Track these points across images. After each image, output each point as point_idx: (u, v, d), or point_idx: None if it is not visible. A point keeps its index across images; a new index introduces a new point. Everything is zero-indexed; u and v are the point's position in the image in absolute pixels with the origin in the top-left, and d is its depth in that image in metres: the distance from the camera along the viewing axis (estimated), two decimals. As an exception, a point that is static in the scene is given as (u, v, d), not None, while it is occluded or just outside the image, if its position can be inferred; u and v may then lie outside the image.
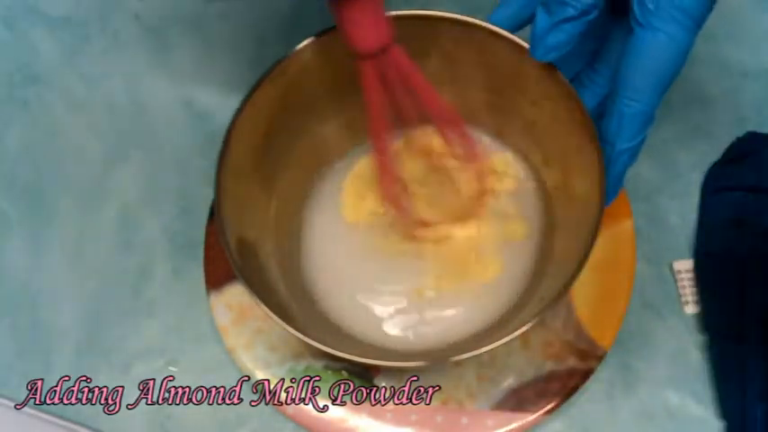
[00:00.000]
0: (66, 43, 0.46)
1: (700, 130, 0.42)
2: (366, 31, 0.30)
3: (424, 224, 0.37)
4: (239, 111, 0.33)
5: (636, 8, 0.30)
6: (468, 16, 0.33)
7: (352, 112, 0.38)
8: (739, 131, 0.41)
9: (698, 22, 0.29)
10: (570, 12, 0.30)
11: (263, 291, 0.32)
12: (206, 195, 0.40)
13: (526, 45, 0.33)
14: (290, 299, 0.35)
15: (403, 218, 0.37)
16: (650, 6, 0.29)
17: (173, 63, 0.45)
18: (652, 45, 0.29)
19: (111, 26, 0.46)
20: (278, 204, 0.38)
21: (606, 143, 0.31)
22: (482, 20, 0.33)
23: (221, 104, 0.44)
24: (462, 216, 0.38)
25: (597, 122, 0.32)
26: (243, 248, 0.33)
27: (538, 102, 0.35)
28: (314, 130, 0.38)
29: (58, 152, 0.44)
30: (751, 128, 0.41)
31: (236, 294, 0.38)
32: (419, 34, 0.34)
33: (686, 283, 0.39)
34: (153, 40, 0.46)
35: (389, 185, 0.36)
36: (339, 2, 0.29)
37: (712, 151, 0.41)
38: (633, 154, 0.32)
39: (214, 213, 0.39)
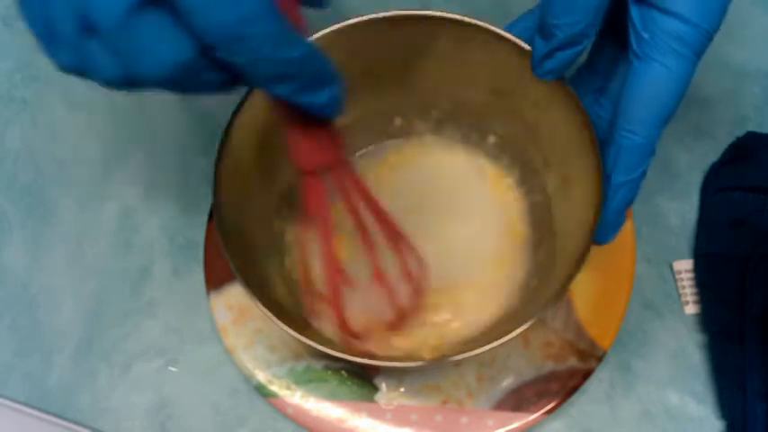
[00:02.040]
0: (67, 43, 0.46)
1: (700, 130, 0.42)
2: (323, 151, 0.29)
3: (356, 336, 0.35)
4: (239, 108, 0.33)
5: (633, 39, 0.29)
6: (469, 17, 0.33)
7: (352, 111, 0.38)
8: (739, 131, 0.41)
9: (697, 51, 0.29)
10: (558, 42, 0.30)
11: (261, 290, 0.32)
12: (206, 195, 0.40)
13: (528, 47, 0.33)
14: (288, 298, 0.35)
15: (341, 326, 0.35)
16: (646, 36, 0.29)
17: (173, 63, 0.45)
18: (649, 76, 0.29)
19: (111, 26, 0.46)
20: (277, 203, 0.38)
21: (605, 176, 0.31)
22: (483, 21, 0.33)
23: (221, 104, 0.44)
24: (393, 327, 0.36)
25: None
26: (241, 247, 0.33)
27: (539, 104, 0.35)
28: None
29: (58, 152, 0.44)
30: (751, 128, 0.41)
31: (236, 294, 0.38)
32: (420, 35, 0.34)
33: (686, 283, 0.39)
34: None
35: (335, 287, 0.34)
36: (296, 127, 0.28)
37: (712, 151, 0.41)
38: (632, 188, 0.31)
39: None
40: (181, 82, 0.22)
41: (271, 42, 0.22)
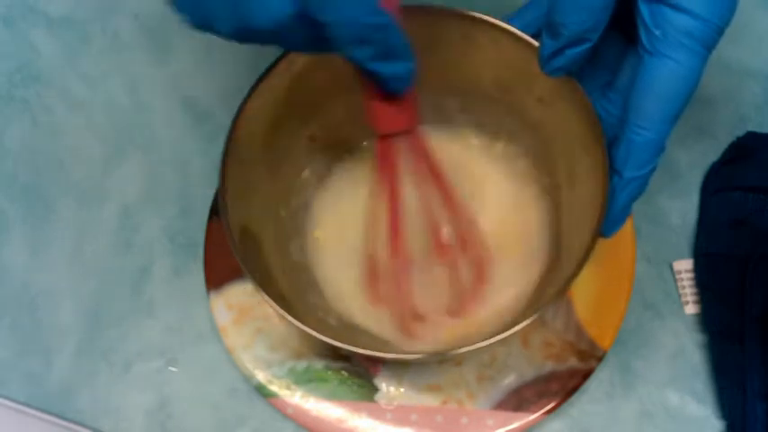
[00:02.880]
0: (67, 43, 0.46)
1: (700, 129, 0.42)
2: (395, 117, 0.30)
3: (419, 318, 0.36)
4: (247, 98, 0.33)
5: (643, 36, 0.29)
6: (477, 12, 0.33)
7: (360, 106, 0.38)
8: (739, 131, 0.41)
9: (708, 46, 0.29)
10: (566, 40, 0.30)
11: (263, 279, 0.32)
12: (206, 195, 0.40)
13: (535, 43, 0.32)
14: (290, 290, 0.35)
15: (397, 311, 0.36)
16: (657, 33, 0.29)
17: (173, 63, 0.45)
18: (661, 72, 0.29)
19: (111, 26, 0.46)
20: (283, 195, 0.38)
21: (614, 171, 0.31)
22: (490, 15, 0.33)
23: (221, 104, 0.44)
24: (456, 310, 0.37)
25: (611, 151, 0.31)
26: (245, 236, 0.33)
27: (545, 99, 0.35)
28: (322, 121, 0.38)
29: (58, 152, 0.44)
30: (751, 128, 0.41)
31: (236, 294, 0.38)
32: (427, 28, 0.34)
33: (686, 283, 0.39)
34: (153, 40, 0.46)
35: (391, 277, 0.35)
36: (373, 92, 0.29)
37: (712, 151, 0.41)
38: (641, 184, 0.31)
39: (215, 212, 0.39)
40: (281, 36, 0.25)
41: (357, 5, 0.24)
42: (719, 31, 0.29)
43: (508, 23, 0.33)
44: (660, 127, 0.30)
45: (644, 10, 0.29)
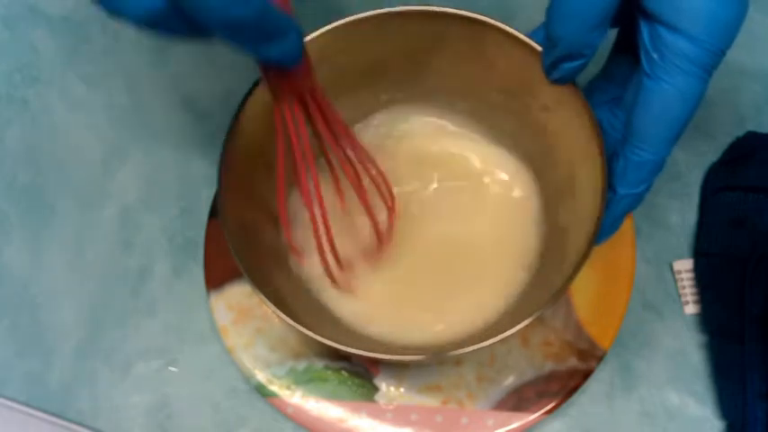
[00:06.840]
0: (67, 43, 0.46)
1: (699, 129, 0.42)
2: (288, 81, 0.30)
3: (348, 267, 0.37)
4: (248, 94, 0.33)
5: (643, 58, 0.29)
6: (482, 15, 0.33)
7: (363, 103, 0.38)
8: (739, 131, 0.41)
9: (707, 68, 0.28)
10: (560, 53, 0.30)
11: (259, 276, 0.32)
12: (206, 195, 0.40)
13: (540, 48, 0.32)
14: (287, 289, 0.35)
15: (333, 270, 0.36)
16: (654, 56, 0.28)
17: (173, 63, 0.45)
18: (659, 96, 0.29)
19: (111, 26, 0.46)
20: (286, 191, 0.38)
21: (610, 186, 0.31)
22: (496, 20, 0.33)
23: (221, 104, 0.44)
24: (372, 252, 0.37)
25: (610, 165, 0.31)
26: (242, 232, 0.33)
27: (548, 106, 0.34)
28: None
29: (58, 152, 0.44)
30: (751, 128, 0.41)
31: (236, 294, 0.38)
32: (431, 31, 0.34)
33: (686, 283, 0.39)
34: (153, 41, 0.46)
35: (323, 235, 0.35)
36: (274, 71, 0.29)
37: (712, 151, 0.41)
38: (635, 201, 0.31)
39: (215, 212, 0.39)
40: (155, 25, 0.25)
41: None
42: (720, 54, 0.28)
43: (516, 29, 0.33)
44: (657, 149, 0.30)
45: (644, 31, 0.29)
